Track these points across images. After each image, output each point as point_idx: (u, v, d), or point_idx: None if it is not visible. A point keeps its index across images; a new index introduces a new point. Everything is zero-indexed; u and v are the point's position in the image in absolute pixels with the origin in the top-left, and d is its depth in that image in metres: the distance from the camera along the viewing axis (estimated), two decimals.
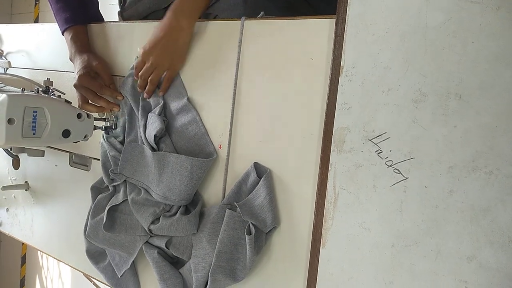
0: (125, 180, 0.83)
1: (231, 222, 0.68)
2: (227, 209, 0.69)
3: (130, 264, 0.83)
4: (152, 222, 0.76)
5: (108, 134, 0.86)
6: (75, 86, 0.84)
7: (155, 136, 0.75)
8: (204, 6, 0.74)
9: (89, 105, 0.86)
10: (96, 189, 0.89)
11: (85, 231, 0.88)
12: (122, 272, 0.84)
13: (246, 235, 0.66)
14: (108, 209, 0.81)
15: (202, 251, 0.71)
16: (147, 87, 0.79)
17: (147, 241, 0.79)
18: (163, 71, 0.77)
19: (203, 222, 0.74)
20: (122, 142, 0.86)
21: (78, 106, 0.87)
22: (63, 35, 0.92)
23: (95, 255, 0.90)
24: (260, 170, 0.69)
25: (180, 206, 0.76)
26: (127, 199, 0.81)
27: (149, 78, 0.78)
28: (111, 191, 0.86)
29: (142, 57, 0.76)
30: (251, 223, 0.67)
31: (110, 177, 0.85)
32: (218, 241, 0.69)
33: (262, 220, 0.67)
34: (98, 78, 0.86)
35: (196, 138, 0.76)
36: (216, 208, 0.72)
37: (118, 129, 0.87)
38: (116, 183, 0.84)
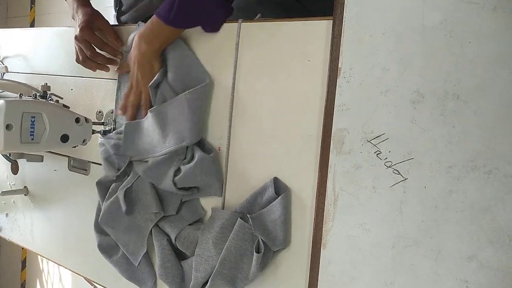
0: (130, 163, 0.82)
1: (241, 233, 0.68)
2: (238, 218, 0.69)
3: (145, 247, 0.81)
4: (175, 175, 0.74)
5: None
6: (76, 38, 0.82)
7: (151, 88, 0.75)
8: (167, 41, 0.75)
9: (89, 60, 0.84)
10: (102, 184, 0.87)
11: (95, 224, 0.87)
12: (139, 259, 0.83)
13: (254, 253, 0.65)
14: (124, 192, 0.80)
15: (206, 252, 0.71)
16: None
17: (157, 225, 0.79)
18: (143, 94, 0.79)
19: (211, 223, 0.73)
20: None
21: (76, 61, 0.85)
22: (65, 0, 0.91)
23: (108, 249, 0.89)
24: (278, 186, 0.68)
25: (194, 149, 0.74)
26: (137, 178, 0.80)
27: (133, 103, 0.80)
28: (122, 178, 0.85)
29: (128, 93, 0.80)
30: (261, 239, 0.66)
31: (116, 167, 0.84)
32: (225, 248, 0.68)
33: (272, 238, 0.66)
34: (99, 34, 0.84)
35: (190, 71, 0.75)
36: (228, 213, 0.71)
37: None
38: (122, 168, 0.83)
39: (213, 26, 0.73)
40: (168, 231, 0.77)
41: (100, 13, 0.86)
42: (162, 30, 0.73)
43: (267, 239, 0.66)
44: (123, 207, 0.79)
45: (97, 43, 0.82)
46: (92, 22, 0.82)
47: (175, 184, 0.74)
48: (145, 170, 0.78)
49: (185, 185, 0.75)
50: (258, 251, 0.66)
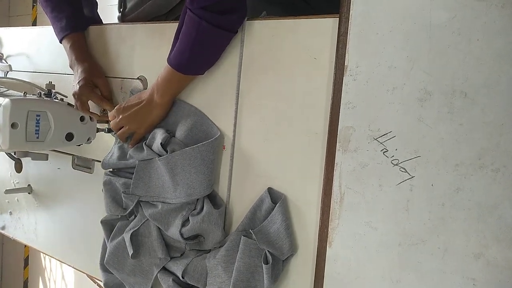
0: (138, 203, 0.81)
1: (247, 250, 0.67)
2: (242, 236, 0.68)
3: None
4: (183, 226, 0.75)
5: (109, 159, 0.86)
6: (74, 95, 0.83)
7: (161, 144, 0.75)
8: (183, 87, 0.77)
9: (90, 113, 0.86)
10: (107, 223, 0.87)
11: (101, 263, 0.86)
12: None
13: (263, 264, 0.65)
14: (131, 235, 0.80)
15: (218, 279, 0.70)
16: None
17: (163, 267, 0.78)
18: (130, 132, 0.81)
19: (216, 248, 0.73)
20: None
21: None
22: (61, 43, 0.92)
23: None
24: (274, 196, 0.68)
25: (204, 201, 0.74)
26: (144, 221, 0.80)
27: (118, 133, 0.82)
28: (128, 219, 0.85)
29: (115, 112, 0.81)
30: (268, 251, 0.66)
31: (123, 206, 0.83)
32: (235, 269, 0.67)
33: (278, 248, 0.66)
34: (96, 90, 0.86)
35: (198, 125, 0.76)
36: (231, 234, 0.71)
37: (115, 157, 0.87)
38: (130, 208, 0.82)
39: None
40: (174, 269, 0.77)
41: (99, 67, 0.88)
42: (179, 80, 0.75)
43: (273, 250, 0.66)
44: (130, 251, 0.79)
45: (95, 101, 0.84)
46: (91, 80, 0.84)
47: (181, 234, 0.75)
48: (154, 214, 0.78)
49: (191, 234, 0.76)
50: (266, 263, 0.65)
